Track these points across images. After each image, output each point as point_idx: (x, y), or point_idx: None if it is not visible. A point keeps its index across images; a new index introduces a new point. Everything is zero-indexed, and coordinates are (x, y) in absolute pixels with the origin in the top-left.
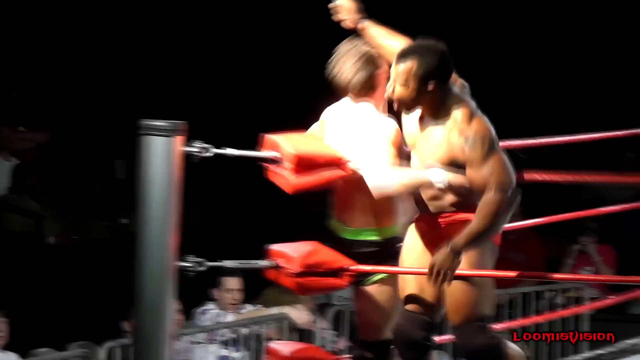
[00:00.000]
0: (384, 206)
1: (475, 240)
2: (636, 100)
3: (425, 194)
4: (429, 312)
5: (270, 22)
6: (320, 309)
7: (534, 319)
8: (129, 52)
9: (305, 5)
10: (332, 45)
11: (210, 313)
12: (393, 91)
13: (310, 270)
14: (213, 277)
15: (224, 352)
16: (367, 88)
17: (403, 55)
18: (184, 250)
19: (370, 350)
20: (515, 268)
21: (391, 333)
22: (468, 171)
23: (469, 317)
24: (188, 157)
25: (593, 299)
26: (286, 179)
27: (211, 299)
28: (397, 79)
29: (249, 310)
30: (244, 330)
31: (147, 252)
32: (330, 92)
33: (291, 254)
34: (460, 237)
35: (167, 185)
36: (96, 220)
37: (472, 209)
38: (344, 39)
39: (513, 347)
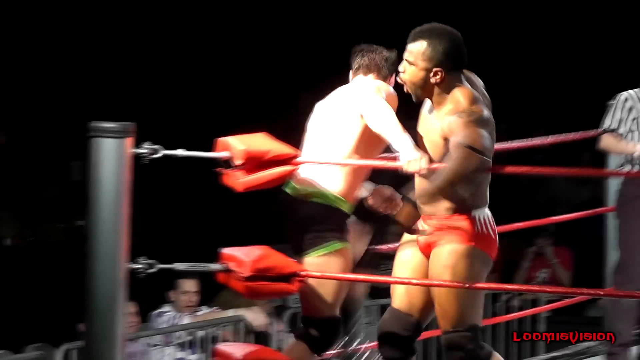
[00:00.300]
0: (350, 179)
1: (435, 190)
2: (592, 101)
3: (421, 196)
4: (416, 314)
5: (224, 23)
6: (276, 312)
7: (490, 321)
8: (86, 55)
9: (257, 6)
10: (287, 46)
11: (166, 315)
12: (404, 71)
13: (260, 274)
14: (170, 280)
15: (180, 354)
16: (385, 70)
17: (416, 34)
18: (140, 251)
19: (316, 328)
20: None
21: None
22: (450, 140)
23: (456, 325)
24: (138, 159)
25: (549, 302)
26: (237, 177)
27: (167, 301)
28: (408, 57)
29: (205, 312)
30: (200, 333)
31: (98, 254)
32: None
33: (242, 257)
34: (436, 174)
35: (117, 187)
36: (52, 222)
37: (466, 213)
38: (293, 43)
39: (499, 358)
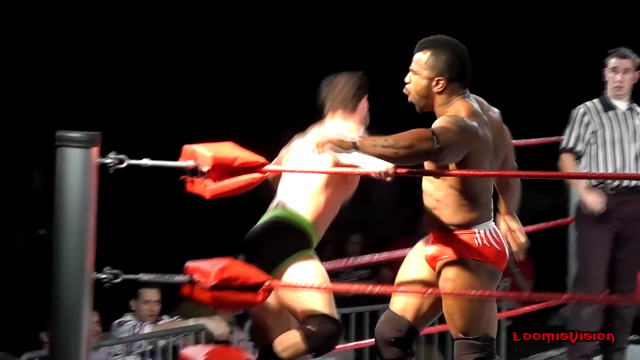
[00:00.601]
0: (322, 213)
1: (375, 150)
2: (550, 108)
3: (426, 211)
4: (409, 316)
5: (191, 33)
6: (237, 321)
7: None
8: (47, 63)
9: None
10: (248, 56)
11: (128, 324)
12: (409, 81)
13: (226, 284)
14: (132, 289)
15: None
16: (350, 102)
17: (421, 45)
18: (105, 261)
19: (315, 325)
20: None
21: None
22: None
23: (464, 332)
24: (104, 169)
25: (509, 309)
26: (204, 185)
27: (129, 311)
28: (412, 67)
29: (167, 321)
30: (162, 342)
31: (63, 263)
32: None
33: (207, 268)
34: (367, 139)
35: (83, 197)
36: (13, 230)
37: (467, 228)
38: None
39: None
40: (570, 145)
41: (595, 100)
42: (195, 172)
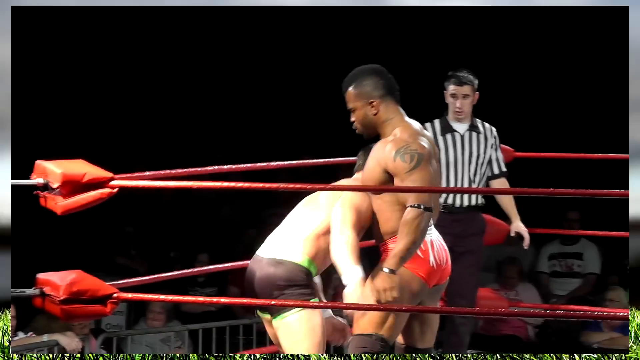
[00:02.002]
0: (320, 245)
1: (404, 257)
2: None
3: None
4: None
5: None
6: (92, 334)
7: None
8: None
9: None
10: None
11: None
12: (353, 120)
13: (75, 297)
14: None
15: None
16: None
17: (343, 85)
18: None
19: None
20: None
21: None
22: (395, 181)
23: (359, 327)
24: None
25: None
26: (55, 200)
27: None
28: (348, 106)
29: (21, 337)
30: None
31: None
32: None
33: (56, 281)
34: (390, 258)
35: None
36: None
37: (391, 237)
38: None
39: None
40: None
41: (436, 121)
42: (46, 188)
